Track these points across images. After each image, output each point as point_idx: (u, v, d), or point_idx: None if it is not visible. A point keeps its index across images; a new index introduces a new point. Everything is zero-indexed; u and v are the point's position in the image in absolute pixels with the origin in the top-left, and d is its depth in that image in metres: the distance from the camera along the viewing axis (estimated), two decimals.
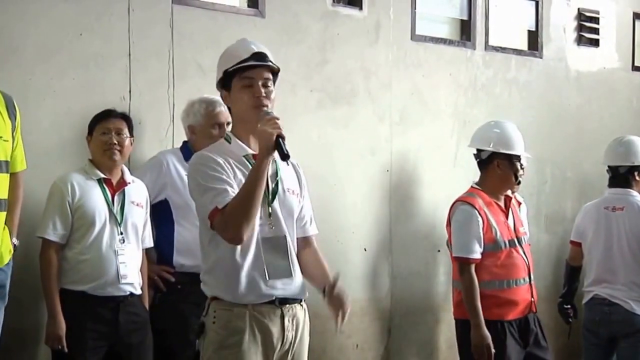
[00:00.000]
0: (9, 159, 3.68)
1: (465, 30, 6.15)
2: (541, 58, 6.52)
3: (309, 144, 5.17)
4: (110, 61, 4.54)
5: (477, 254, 4.44)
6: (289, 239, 3.15)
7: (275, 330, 3.10)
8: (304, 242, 3.30)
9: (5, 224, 3.65)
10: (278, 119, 2.99)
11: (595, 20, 6.83)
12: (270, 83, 3.14)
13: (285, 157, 2.96)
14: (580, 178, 6.67)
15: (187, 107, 4.49)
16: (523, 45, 6.56)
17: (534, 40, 6.54)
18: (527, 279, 4.57)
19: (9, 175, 3.69)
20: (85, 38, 4.45)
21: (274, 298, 3.10)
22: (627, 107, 7.03)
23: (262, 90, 3.09)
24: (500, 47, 6.30)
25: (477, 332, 4.39)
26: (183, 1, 4.79)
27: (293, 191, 3.21)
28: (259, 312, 3.08)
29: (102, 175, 4.04)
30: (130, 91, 4.59)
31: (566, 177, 6.62)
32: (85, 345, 3.94)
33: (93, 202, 3.99)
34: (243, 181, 3.03)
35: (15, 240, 3.76)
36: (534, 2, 6.50)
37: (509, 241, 4.53)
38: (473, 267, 4.43)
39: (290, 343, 3.15)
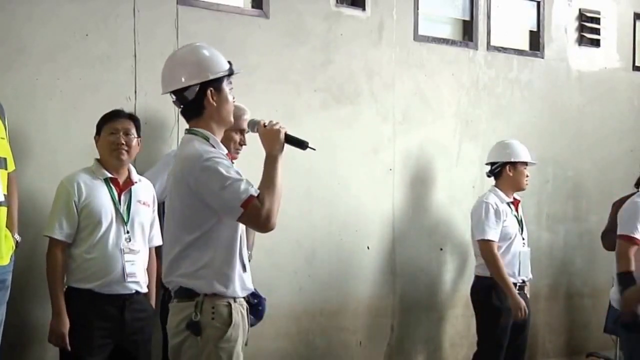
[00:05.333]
0: (7, 157, 3.72)
1: (468, 31, 6.19)
2: (543, 58, 6.56)
3: (313, 144, 5.18)
4: (116, 61, 4.58)
5: None
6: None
7: (245, 321, 3.28)
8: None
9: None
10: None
11: (597, 20, 6.86)
12: None
13: (304, 145, 3.36)
14: (581, 177, 6.70)
15: None
16: (525, 45, 6.60)
17: (536, 41, 6.58)
18: None
19: (7, 172, 3.74)
20: (92, 39, 4.49)
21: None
22: (628, 107, 7.07)
23: None
24: (502, 48, 6.34)
25: None
26: (188, 2, 4.82)
27: None
28: (241, 305, 3.25)
29: (109, 175, 4.05)
30: (135, 91, 4.63)
31: (567, 176, 6.65)
32: (92, 343, 3.96)
33: (99, 202, 4.00)
34: None
35: (17, 237, 3.79)
36: (535, 3, 6.54)
37: None
38: None
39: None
